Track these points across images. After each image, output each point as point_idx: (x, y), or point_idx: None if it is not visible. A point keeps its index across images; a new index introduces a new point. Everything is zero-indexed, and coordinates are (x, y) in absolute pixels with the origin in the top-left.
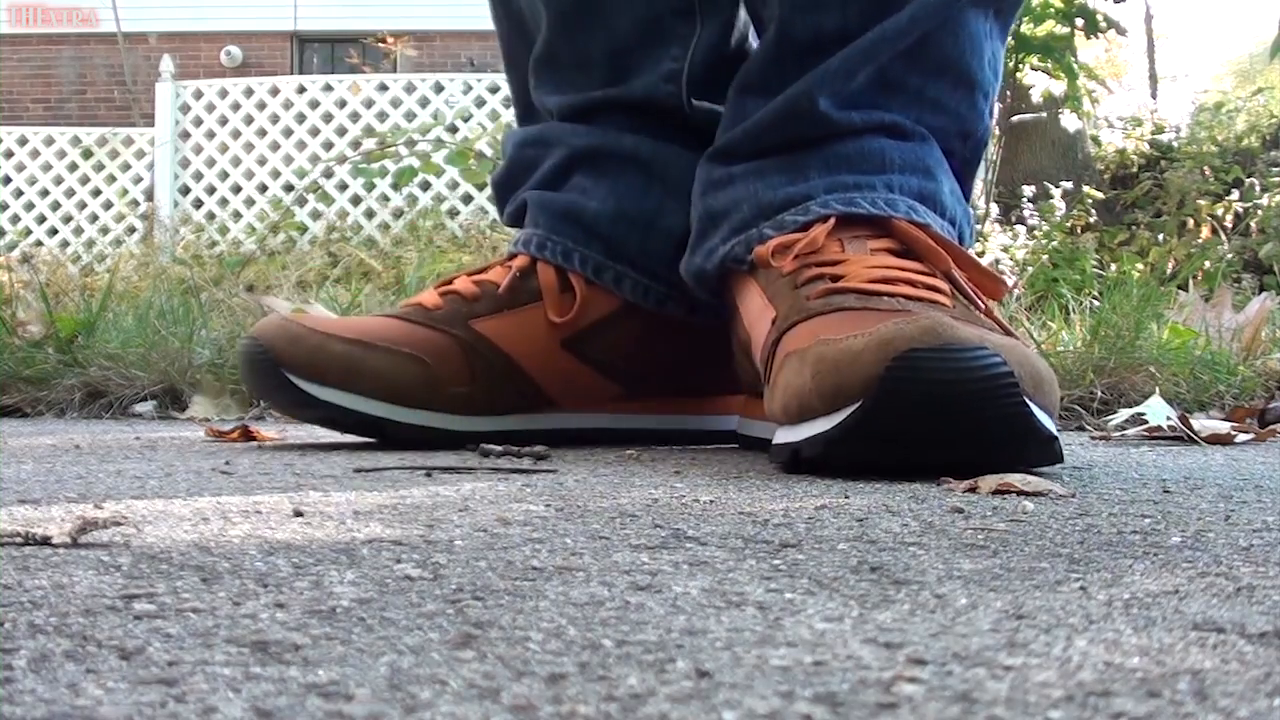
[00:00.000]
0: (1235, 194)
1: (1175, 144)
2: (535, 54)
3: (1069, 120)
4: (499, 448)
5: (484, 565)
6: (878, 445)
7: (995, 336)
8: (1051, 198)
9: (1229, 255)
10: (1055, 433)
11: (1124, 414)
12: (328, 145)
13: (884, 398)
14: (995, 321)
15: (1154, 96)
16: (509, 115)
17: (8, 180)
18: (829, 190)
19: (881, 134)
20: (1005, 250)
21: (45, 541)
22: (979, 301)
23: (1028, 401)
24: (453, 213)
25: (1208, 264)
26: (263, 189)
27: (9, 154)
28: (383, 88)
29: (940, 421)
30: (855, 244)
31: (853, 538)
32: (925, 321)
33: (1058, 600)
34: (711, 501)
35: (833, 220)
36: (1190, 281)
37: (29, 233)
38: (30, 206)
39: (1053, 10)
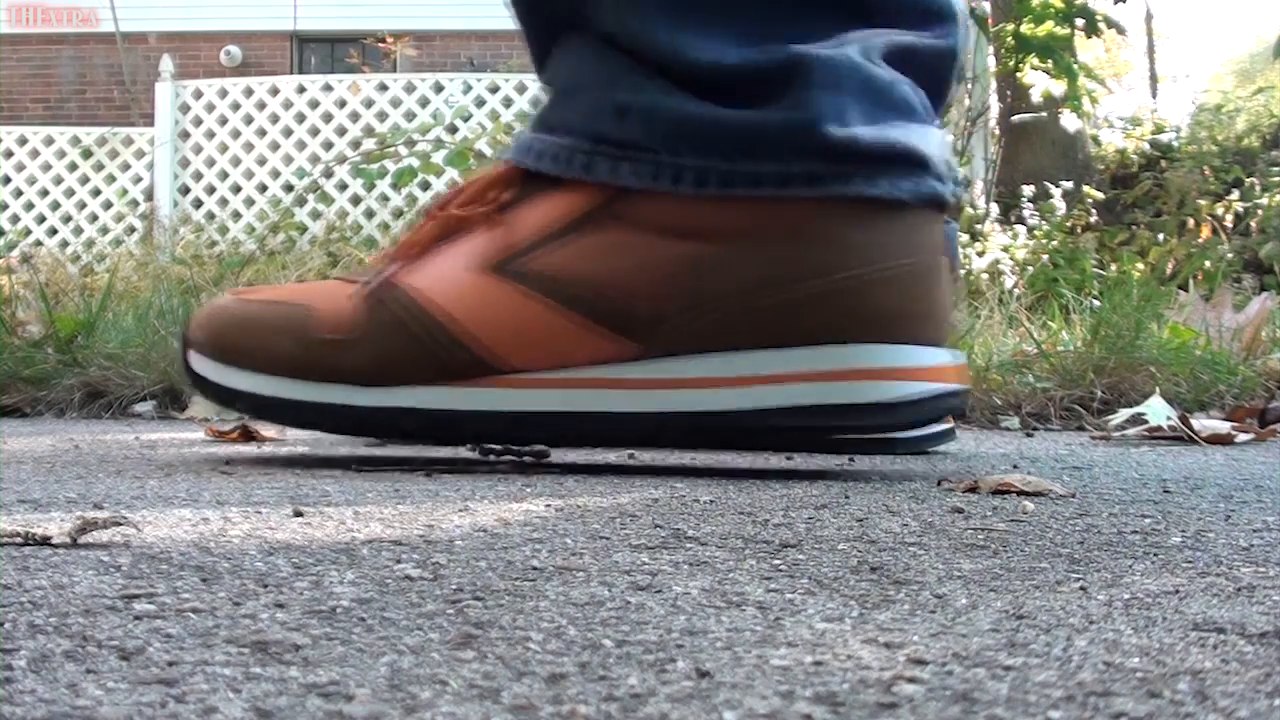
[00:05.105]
0: (1235, 194)
1: (1175, 144)
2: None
3: (1069, 120)
4: (499, 446)
5: (484, 565)
6: None
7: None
8: (1051, 198)
9: (1229, 255)
10: (196, 371)
11: (1124, 414)
12: (328, 145)
13: None
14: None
15: (1154, 96)
16: (509, 115)
17: (7, 180)
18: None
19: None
20: (1005, 250)
21: (45, 541)
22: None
23: (188, 350)
24: None
25: (1208, 264)
26: (262, 189)
27: (9, 154)
28: (383, 88)
29: None
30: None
31: (853, 538)
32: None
33: (1058, 600)
34: (711, 501)
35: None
36: (1190, 281)
37: (29, 233)
38: (30, 206)
39: (1053, 10)
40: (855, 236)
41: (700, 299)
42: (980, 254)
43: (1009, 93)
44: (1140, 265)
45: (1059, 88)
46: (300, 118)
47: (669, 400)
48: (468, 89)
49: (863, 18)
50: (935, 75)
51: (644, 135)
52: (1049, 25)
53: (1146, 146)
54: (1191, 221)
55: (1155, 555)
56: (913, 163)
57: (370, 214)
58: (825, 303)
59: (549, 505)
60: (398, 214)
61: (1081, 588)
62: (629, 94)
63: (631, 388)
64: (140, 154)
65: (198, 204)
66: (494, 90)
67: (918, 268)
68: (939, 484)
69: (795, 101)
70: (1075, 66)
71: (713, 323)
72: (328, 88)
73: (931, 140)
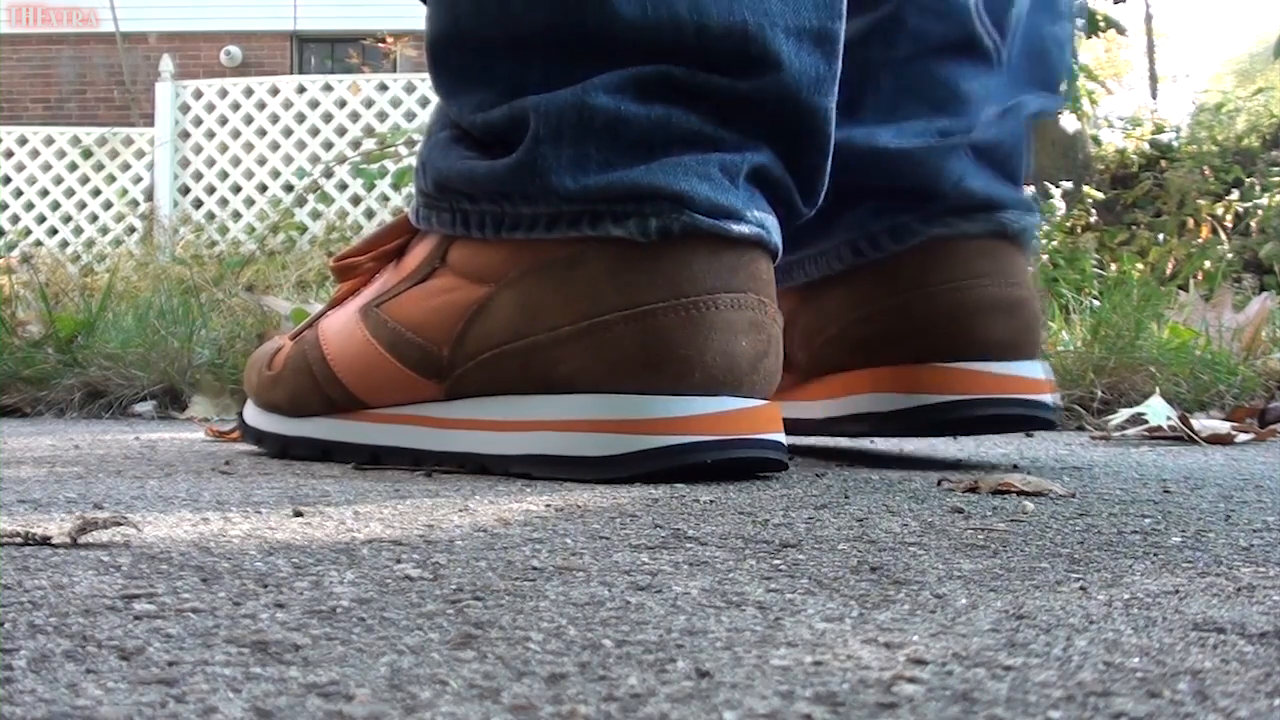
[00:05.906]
0: (1235, 194)
1: (1175, 144)
2: None
3: (1069, 120)
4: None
5: (484, 565)
6: None
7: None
8: (1051, 198)
9: (1229, 255)
10: (246, 422)
11: (1124, 414)
12: (328, 145)
13: None
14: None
15: (1154, 96)
16: None
17: (8, 180)
18: None
19: None
20: None
21: (45, 541)
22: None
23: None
24: None
25: (1208, 264)
26: (262, 189)
27: (9, 154)
28: (383, 88)
29: None
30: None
31: (853, 538)
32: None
33: (1058, 600)
34: (711, 501)
35: None
36: (1190, 281)
37: (29, 233)
38: (30, 206)
39: None
40: (602, 278)
41: (479, 343)
42: None
43: None
44: (1140, 265)
45: None
46: (300, 118)
47: (464, 440)
48: None
49: (622, 57)
50: (726, 104)
51: (427, 185)
52: None
53: (1146, 146)
54: (1191, 221)
55: (1155, 555)
56: (661, 198)
57: (370, 214)
58: (578, 347)
59: (549, 505)
60: (397, 214)
61: (1081, 588)
62: (423, 147)
63: (435, 426)
64: (140, 154)
65: (198, 204)
66: None
67: (678, 308)
68: (939, 484)
69: (523, 151)
70: (1075, 67)
71: (490, 366)
72: (328, 88)
73: (691, 173)
